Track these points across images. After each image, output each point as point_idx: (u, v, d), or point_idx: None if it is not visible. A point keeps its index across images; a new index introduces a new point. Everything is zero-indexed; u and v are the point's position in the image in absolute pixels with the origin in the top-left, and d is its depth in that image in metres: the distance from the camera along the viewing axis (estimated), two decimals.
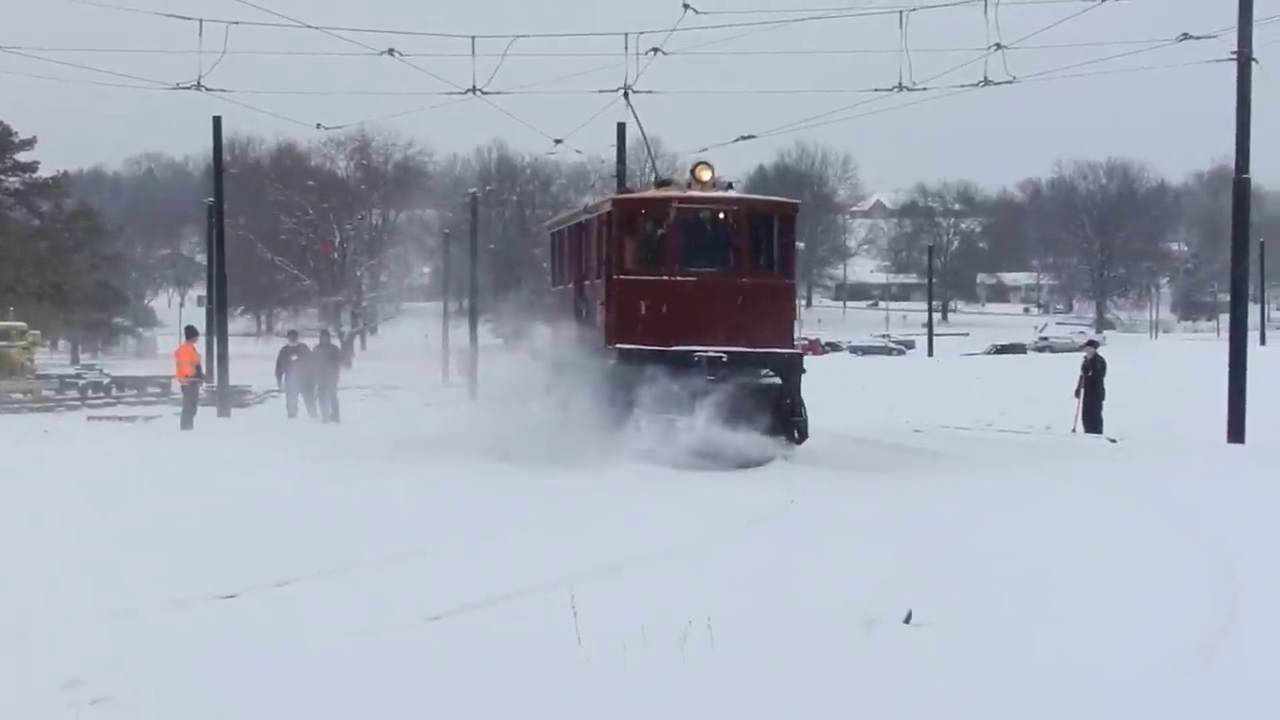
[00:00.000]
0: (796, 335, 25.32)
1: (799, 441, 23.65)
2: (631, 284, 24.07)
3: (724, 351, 23.11)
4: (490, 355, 28.58)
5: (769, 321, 24.35)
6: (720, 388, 22.50)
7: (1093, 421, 33.44)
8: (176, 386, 40.16)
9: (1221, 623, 10.22)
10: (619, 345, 23.47)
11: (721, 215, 24.52)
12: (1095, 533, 15.04)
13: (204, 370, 37.87)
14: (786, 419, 23.40)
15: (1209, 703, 8.25)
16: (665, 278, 24.04)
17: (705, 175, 24.39)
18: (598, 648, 9.10)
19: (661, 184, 25.67)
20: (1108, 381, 33.87)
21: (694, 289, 23.99)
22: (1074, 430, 33.18)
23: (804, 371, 24.20)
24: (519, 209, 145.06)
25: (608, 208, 24.92)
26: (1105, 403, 33.71)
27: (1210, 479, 20.43)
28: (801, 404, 23.80)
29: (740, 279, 24.22)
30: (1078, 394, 34.16)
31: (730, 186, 25.79)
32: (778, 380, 23.38)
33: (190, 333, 37.39)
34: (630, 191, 29.18)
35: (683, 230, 24.23)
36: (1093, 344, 38.79)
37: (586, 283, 25.88)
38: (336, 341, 40.73)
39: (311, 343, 41.23)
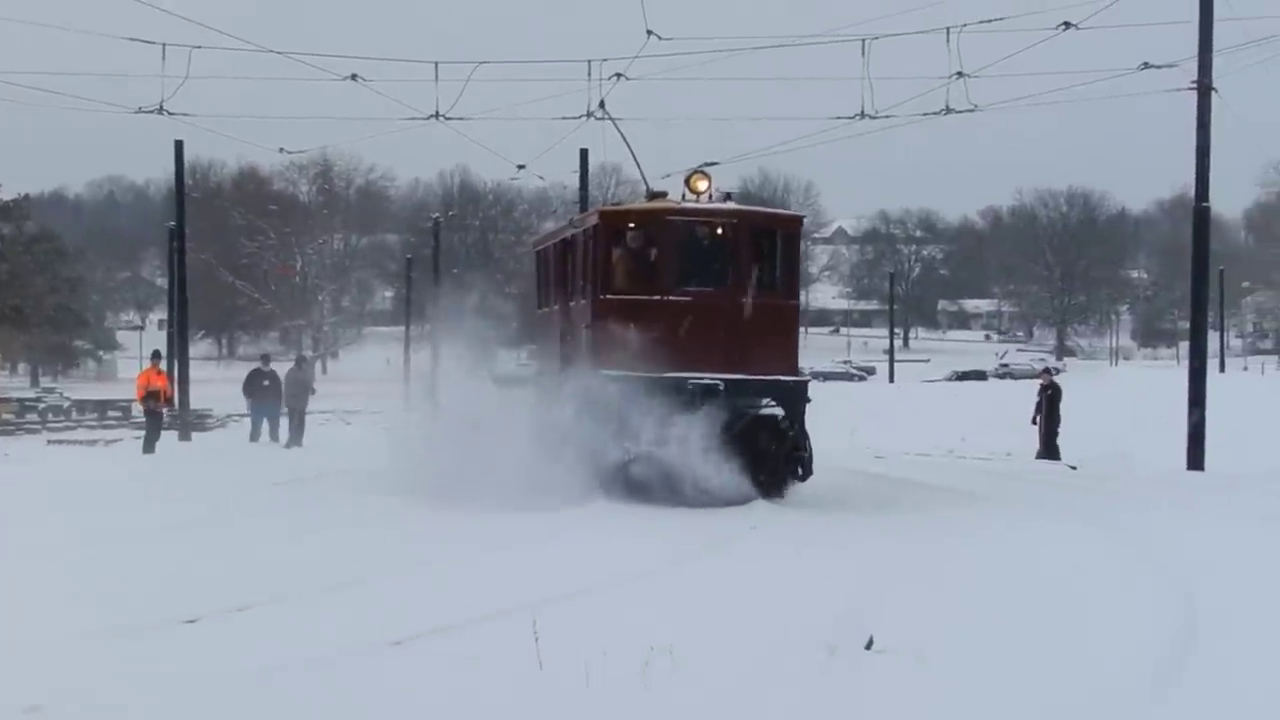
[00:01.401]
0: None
1: (802, 479, 21.84)
2: (618, 304, 21.82)
3: (720, 379, 20.98)
4: (446, 381, 26.47)
5: (771, 345, 21.96)
6: (716, 420, 20.47)
7: (1049, 448, 33.66)
8: (138, 410, 39.91)
9: (1180, 651, 10.26)
10: (603, 372, 21.18)
11: (719, 229, 22.21)
12: (1055, 560, 15.08)
13: (168, 394, 37.45)
14: (790, 453, 21.51)
15: None
16: (656, 297, 21.79)
17: (701, 185, 22.29)
18: (560, 672, 9.11)
19: (654, 196, 23.48)
20: (1063, 408, 34.07)
21: (688, 310, 21.69)
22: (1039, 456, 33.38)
23: (809, 400, 22.29)
24: (481, 234, 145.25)
25: (594, 221, 22.74)
26: (1061, 430, 33.94)
27: (1170, 507, 20.52)
28: (806, 436, 21.92)
29: (739, 299, 21.79)
30: (1034, 421, 34.40)
31: (729, 197, 23.30)
32: (780, 411, 21.36)
33: (155, 356, 37.25)
34: (619, 204, 27.11)
35: (676, 245, 22.12)
36: (1048, 371, 39.13)
37: (572, 304, 23.67)
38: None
39: (281, 368, 40.97)
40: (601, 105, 30.33)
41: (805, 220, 24.90)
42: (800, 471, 21.82)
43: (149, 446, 34.47)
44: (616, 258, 22.32)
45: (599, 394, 20.83)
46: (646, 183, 24.85)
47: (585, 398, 21.06)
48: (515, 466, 20.30)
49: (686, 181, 22.45)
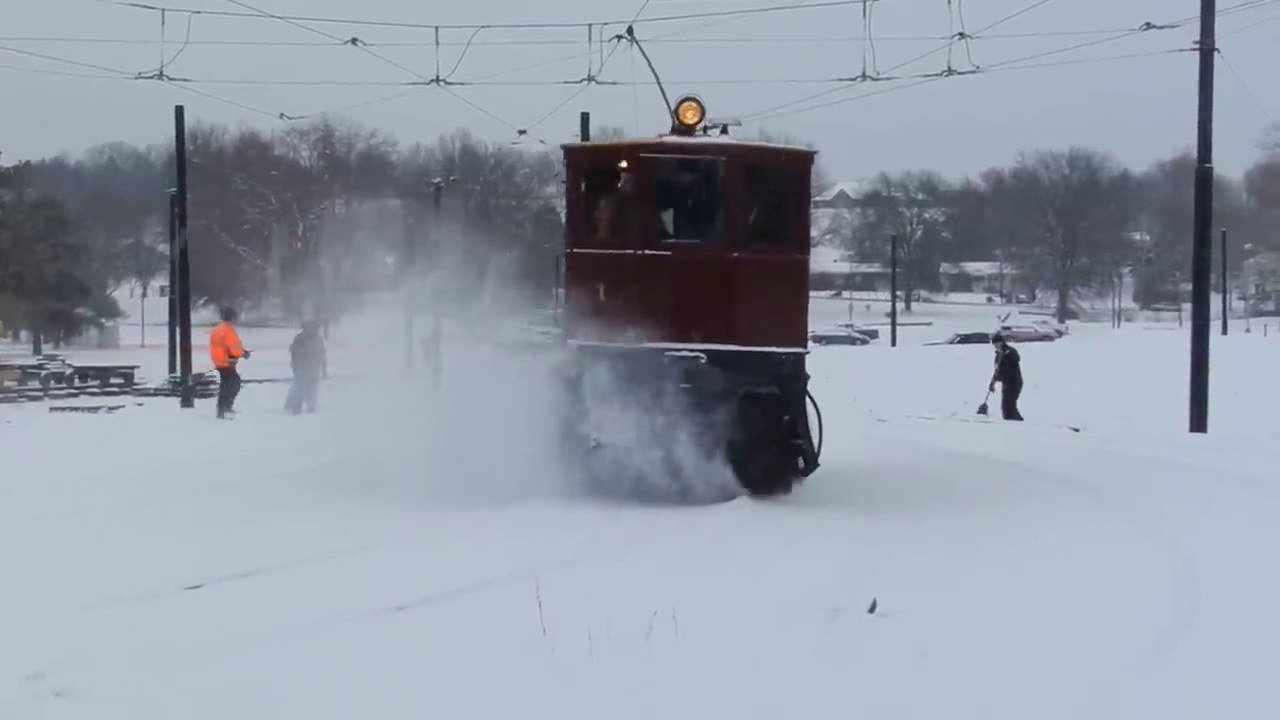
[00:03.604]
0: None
1: (805, 471, 18.04)
2: (587, 260, 18.36)
3: (702, 351, 17.15)
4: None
5: (773, 310, 18.09)
6: (697, 400, 16.82)
7: (1010, 411, 33.97)
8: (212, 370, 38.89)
9: (1182, 618, 10.26)
10: (570, 342, 18.07)
11: (710, 168, 18.11)
12: (1057, 526, 15.07)
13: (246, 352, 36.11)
14: (784, 442, 17.75)
15: (1165, 695, 8.30)
16: (630, 251, 17.83)
17: (692, 116, 18.02)
18: (562, 638, 9.11)
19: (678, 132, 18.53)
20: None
21: (670, 266, 17.67)
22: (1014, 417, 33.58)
23: (808, 377, 18.46)
24: (483, 199, 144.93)
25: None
26: (1021, 394, 34.42)
27: (1173, 471, 20.46)
28: (803, 418, 18.09)
29: (733, 253, 17.75)
30: (992, 388, 34.66)
31: (725, 130, 18.68)
32: (774, 390, 17.57)
33: (228, 314, 36.80)
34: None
35: (657, 188, 18.03)
36: (999, 338, 39.57)
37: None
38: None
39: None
40: (629, 32, 26.06)
41: (817, 156, 20.21)
42: (802, 463, 18.08)
43: (227, 407, 34.30)
44: (587, 204, 18.82)
45: (564, 368, 17.68)
46: (672, 112, 19.27)
47: (551, 372, 17.72)
48: (468, 452, 17.08)
49: (675, 111, 18.31)
